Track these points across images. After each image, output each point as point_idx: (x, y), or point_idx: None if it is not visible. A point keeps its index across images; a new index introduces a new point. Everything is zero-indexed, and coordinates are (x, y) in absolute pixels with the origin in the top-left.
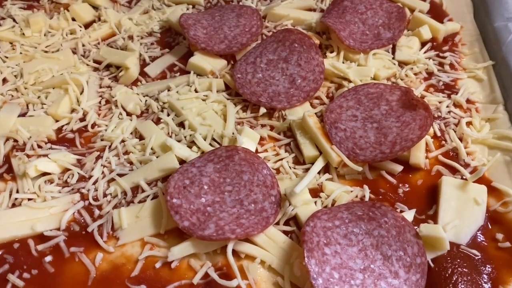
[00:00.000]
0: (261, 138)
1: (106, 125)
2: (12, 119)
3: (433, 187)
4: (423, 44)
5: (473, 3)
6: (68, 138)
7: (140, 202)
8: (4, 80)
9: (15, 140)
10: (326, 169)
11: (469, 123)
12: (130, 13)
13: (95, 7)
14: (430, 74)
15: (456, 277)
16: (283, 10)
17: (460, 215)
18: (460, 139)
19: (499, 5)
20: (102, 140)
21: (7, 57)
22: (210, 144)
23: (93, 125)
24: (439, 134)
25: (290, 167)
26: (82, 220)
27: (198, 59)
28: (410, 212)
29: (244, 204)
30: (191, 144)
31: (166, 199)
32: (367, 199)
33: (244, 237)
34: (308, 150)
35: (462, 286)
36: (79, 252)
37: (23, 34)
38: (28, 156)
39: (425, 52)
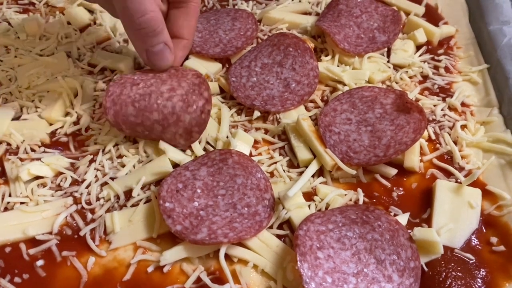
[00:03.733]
0: (255, 141)
1: (100, 129)
2: (5, 123)
3: (428, 190)
4: (418, 47)
5: (468, 6)
6: (62, 142)
7: (133, 206)
8: None
9: (9, 144)
10: (320, 172)
11: (464, 126)
12: None
13: (91, 11)
14: (425, 78)
15: (450, 281)
16: (278, 13)
17: (454, 218)
18: (455, 143)
19: (494, 9)
20: (95, 143)
21: (1, 61)
22: (204, 148)
23: (86, 129)
24: (433, 137)
25: (284, 170)
26: (75, 224)
27: (193, 63)
28: (404, 215)
29: (238, 208)
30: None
31: (158, 203)
32: (361, 202)
33: (237, 241)
34: (302, 154)
35: None
36: (71, 256)
37: (18, 37)
38: (21, 159)
39: (420, 56)
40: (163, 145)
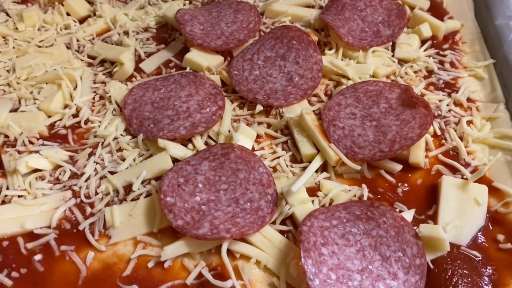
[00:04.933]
0: (258, 136)
1: (100, 121)
2: (3, 115)
3: (433, 186)
4: (423, 42)
5: (473, 1)
6: (61, 134)
7: (133, 200)
8: None
9: (6, 136)
10: (323, 167)
11: (469, 122)
12: (126, 8)
13: (90, 2)
14: (430, 72)
15: (456, 278)
16: (281, 6)
17: (460, 215)
18: (461, 138)
19: (501, 3)
20: (95, 136)
21: None
22: (206, 142)
23: (86, 121)
24: (439, 133)
25: (287, 165)
26: (74, 218)
27: (195, 55)
28: (409, 212)
29: (240, 203)
30: (187, 142)
31: (159, 197)
32: (365, 198)
33: (240, 237)
34: (306, 148)
35: None
36: (70, 251)
37: (17, 28)
38: (19, 152)
39: (425, 50)
40: (162, 142)
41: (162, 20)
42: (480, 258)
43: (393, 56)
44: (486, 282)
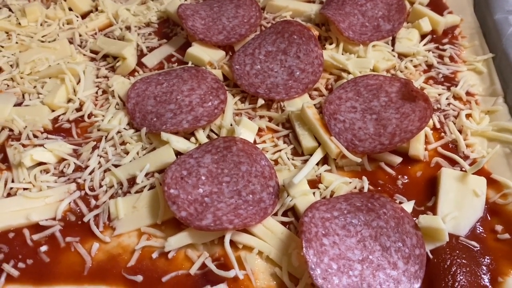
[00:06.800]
0: (260, 129)
1: (103, 116)
2: (7, 109)
3: (432, 178)
4: (422, 36)
5: None
6: (65, 128)
7: (137, 192)
8: (0, 70)
9: (11, 130)
10: (324, 160)
11: (468, 115)
12: (128, 4)
13: None
14: (429, 67)
15: (455, 268)
16: (282, 1)
17: (459, 206)
18: (460, 131)
19: None
20: (98, 130)
21: (2, 47)
22: (208, 135)
23: (89, 115)
24: (438, 126)
25: (288, 158)
26: (78, 210)
27: (196, 50)
28: (409, 203)
29: (242, 195)
30: (189, 135)
31: (163, 190)
32: (366, 190)
33: (242, 228)
34: (307, 141)
35: (461, 277)
36: (75, 242)
37: (19, 23)
38: (24, 145)
39: (424, 45)
40: (165, 136)
41: (164, 15)
42: (479, 248)
43: (393, 50)
44: (484, 272)
